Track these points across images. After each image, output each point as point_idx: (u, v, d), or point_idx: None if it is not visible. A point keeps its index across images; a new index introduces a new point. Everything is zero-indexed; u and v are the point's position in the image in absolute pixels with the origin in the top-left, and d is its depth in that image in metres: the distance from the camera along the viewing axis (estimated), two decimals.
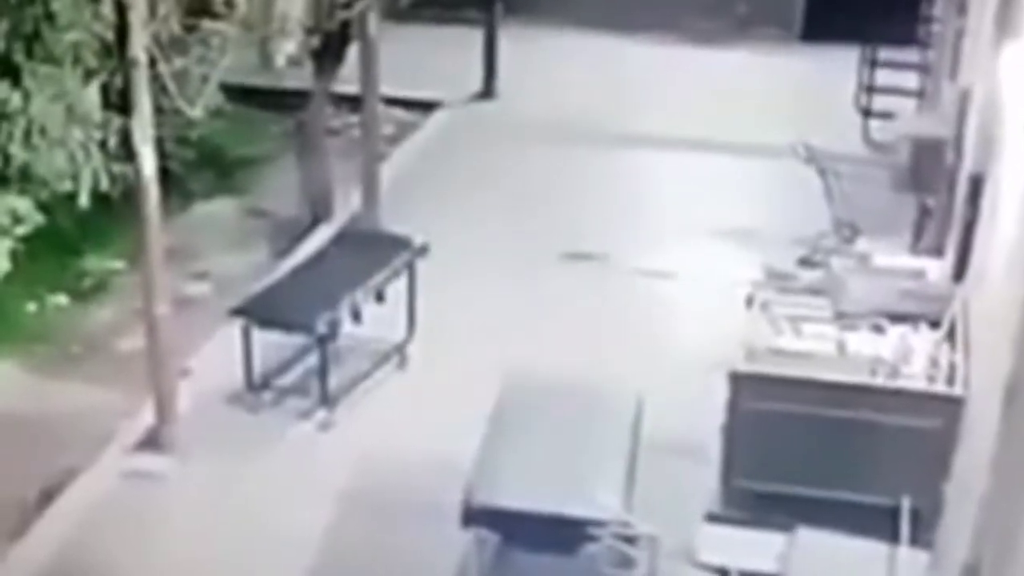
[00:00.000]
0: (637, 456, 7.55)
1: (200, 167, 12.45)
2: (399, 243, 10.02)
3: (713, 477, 8.08)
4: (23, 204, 8.34)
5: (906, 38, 13.70)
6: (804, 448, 7.82)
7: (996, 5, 8.30)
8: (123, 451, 8.86)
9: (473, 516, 7.08)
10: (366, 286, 9.40)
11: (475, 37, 15.12)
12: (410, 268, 9.79)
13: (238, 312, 9.20)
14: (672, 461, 8.23)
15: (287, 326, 9.20)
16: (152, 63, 8.35)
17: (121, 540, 8.12)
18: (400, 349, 9.80)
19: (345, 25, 11.25)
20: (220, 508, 8.38)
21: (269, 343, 9.38)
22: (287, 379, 9.53)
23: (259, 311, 9.17)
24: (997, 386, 5.65)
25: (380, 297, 9.54)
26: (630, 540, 6.91)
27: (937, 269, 9.25)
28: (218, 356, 9.72)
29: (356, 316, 9.30)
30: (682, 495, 7.90)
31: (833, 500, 7.59)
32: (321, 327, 8.97)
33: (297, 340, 9.46)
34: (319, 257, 10.04)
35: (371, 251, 9.94)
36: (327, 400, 9.17)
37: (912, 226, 11.02)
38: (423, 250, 9.90)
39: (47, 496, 8.45)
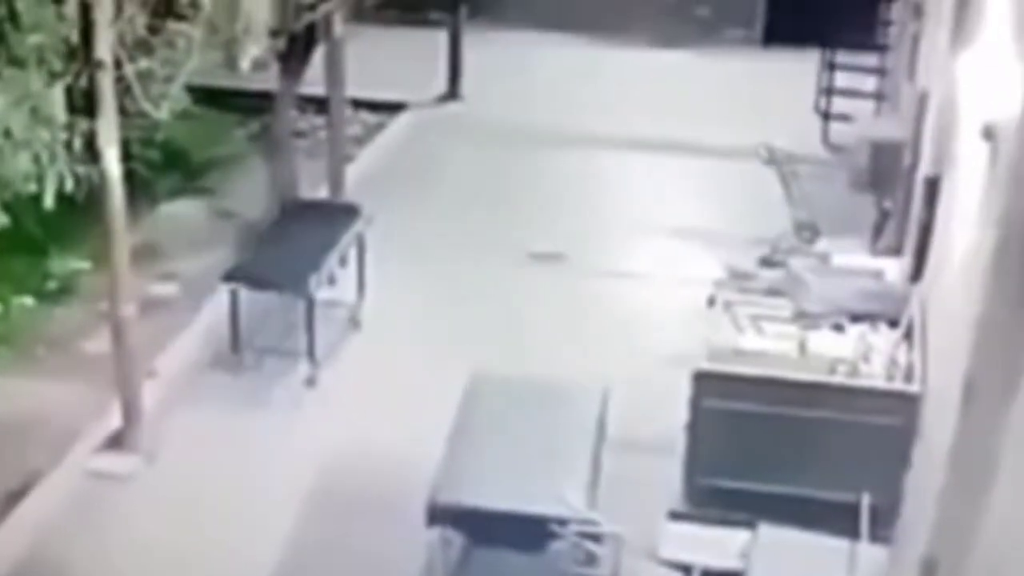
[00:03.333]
0: (601, 454, 7.62)
1: (166, 169, 12.41)
2: (350, 211, 10.65)
3: (676, 475, 8.17)
4: None
5: (865, 42, 13.86)
6: (766, 446, 7.92)
7: (951, 9, 8.43)
8: (89, 452, 8.85)
9: (438, 515, 7.13)
10: (337, 250, 9.98)
11: (439, 39, 15.16)
12: (359, 235, 10.37)
13: (229, 277, 9.63)
14: (636, 459, 8.31)
15: (279, 287, 9.72)
16: (117, 65, 8.34)
17: (86, 540, 8.12)
18: (353, 311, 10.31)
19: (310, 27, 11.26)
20: (188, 506, 8.41)
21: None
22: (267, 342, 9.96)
23: (250, 275, 9.65)
24: (954, 384, 5.75)
25: (343, 261, 10.15)
26: (595, 538, 6.98)
27: (895, 269, 9.38)
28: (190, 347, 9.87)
29: (331, 280, 9.89)
30: (646, 493, 7.98)
31: (794, 497, 7.69)
32: (313, 287, 9.42)
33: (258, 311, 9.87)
34: (282, 226, 10.48)
35: (329, 219, 10.53)
36: (313, 358, 9.59)
37: (871, 227, 11.17)
38: (371, 219, 10.49)
39: (13, 497, 8.43)
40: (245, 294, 9.67)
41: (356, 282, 10.36)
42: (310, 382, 9.62)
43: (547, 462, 7.33)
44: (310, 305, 9.50)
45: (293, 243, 10.02)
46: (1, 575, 7.88)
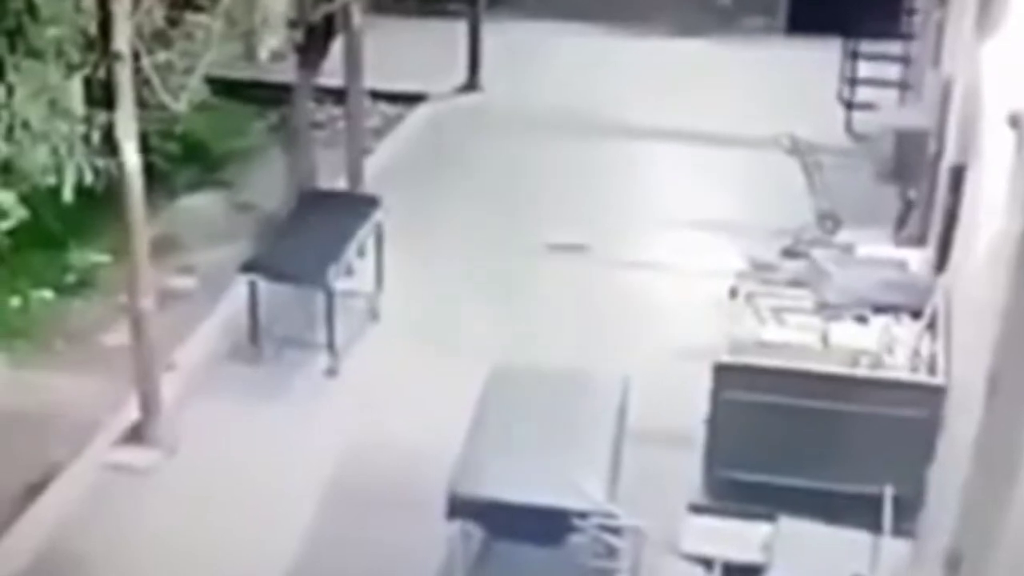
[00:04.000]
0: (622, 446, 7.58)
1: (184, 161, 12.41)
2: (368, 202, 10.63)
3: (697, 467, 8.12)
4: (7, 198, 8.31)
5: (889, 30, 13.74)
6: (787, 438, 7.86)
7: None
8: (108, 445, 8.85)
9: (458, 508, 7.10)
10: (356, 241, 9.98)
11: (459, 30, 15.11)
12: (378, 226, 10.37)
13: (248, 269, 9.61)
14: (656, 452, 8.26)
15: (298, 279, 9.71)
16: (135, 57, 8.33)
17: (106, 533, 8.13)
18: (371, 302, 10.29)
19: (329, 18, 11.24)
20: (208, 498, 8.40)
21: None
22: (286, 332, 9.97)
23: (269, 267, 9.63)
24: (979, 375, 5.69)
25: (361, 252, 10.16)
26: (615, 531, 6.94)
27: (919, 260, 9.29)
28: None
29: (349, 271, 9.89)
30: (666, 486, 7.93)
31: (816, 490, 7.63)
32: (332, 279, 9.41)
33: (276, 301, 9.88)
34: (300, 217, 10.43)
35: (347, 210, 10.51)
36: (333, 349, 9.59)
37: (895, 217, 11.07)
38: (389, 210, 10.49)
39: (32, 490, 8.44)
40: (264, 285, 9.67)
41: (374, 273, 10.35)
42: (330, 372, 9.61)
43: (567, 454, 7.28)
44: (330, 296, 9.49)
45: (311, 234, 10.01)
46: (22, 567, 7.90)
